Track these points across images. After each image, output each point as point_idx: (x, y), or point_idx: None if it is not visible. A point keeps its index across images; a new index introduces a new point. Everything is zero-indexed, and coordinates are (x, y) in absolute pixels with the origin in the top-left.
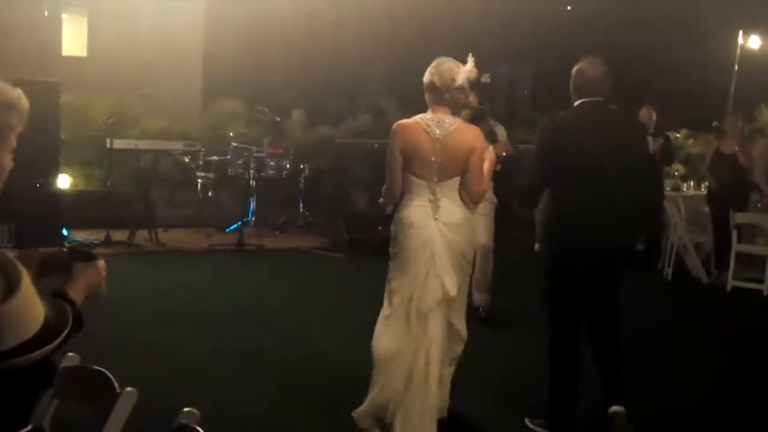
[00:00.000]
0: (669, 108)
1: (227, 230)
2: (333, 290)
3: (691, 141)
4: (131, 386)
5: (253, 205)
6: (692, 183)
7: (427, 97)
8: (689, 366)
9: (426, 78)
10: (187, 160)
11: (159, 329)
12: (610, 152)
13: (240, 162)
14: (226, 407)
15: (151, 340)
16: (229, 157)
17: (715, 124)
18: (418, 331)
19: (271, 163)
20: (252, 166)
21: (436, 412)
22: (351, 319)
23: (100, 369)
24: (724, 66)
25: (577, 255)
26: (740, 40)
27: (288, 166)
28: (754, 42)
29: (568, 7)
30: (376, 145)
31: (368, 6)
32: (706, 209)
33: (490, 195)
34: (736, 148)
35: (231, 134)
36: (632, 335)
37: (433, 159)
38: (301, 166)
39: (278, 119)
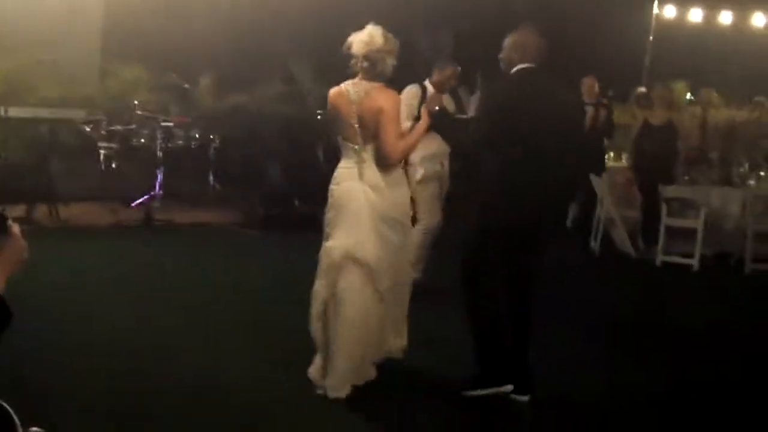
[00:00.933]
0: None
1: (133, 204)
2: (247, 269)
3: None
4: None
5: (160, 178)
6: (611, 154)
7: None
8: (615, 343)
9: None
10: (88, 129)
11: (58, 320)
12: (553, 122)
13: (146, 132)
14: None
15: (47, 333)
16: (133, 126)
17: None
18: (330, 282)
19: (180, 133)
20: (159, 136)
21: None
22: (267, 302)
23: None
24: (639, 35)
25: (515, 222)
26: (655, 9)
27: (197, 135)
28: (669, 11)
29: None
30: (289, 114)
31: None
32: (631, 181)
33: (439, 171)
34: (667, 119)
35: (136, 102)
36: (559, 311)
37: (353, 122)
38: (211, 136)
39: (186, 86)
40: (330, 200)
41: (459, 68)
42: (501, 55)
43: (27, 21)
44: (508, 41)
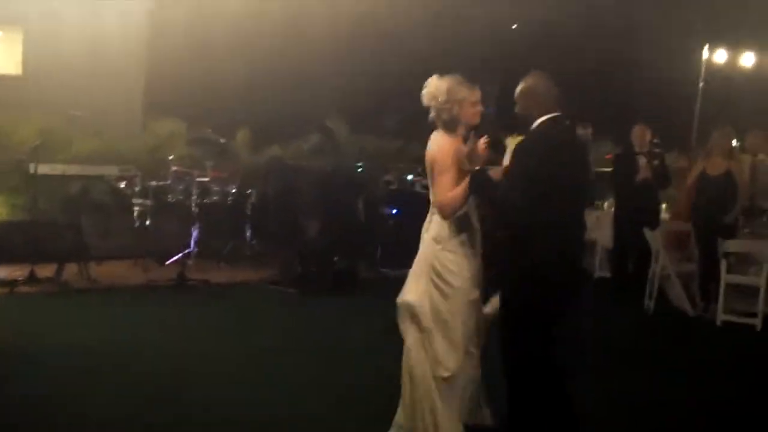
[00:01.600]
0: (632, 126)
1: (167, 263)
2: (287, 333)
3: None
4: None
5: (195, 235)
6: (664, 206)
7: None
8: (676, 408)
9: None
10: (122, 185)
11: (88, 386)
12: (580, 172)
13: (181, 187)
14: None
15: (79, 401)
16: (169, 182)
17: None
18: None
19: (216, 188)
20: (194, 191)
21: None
22: (310, 370)
23: None
24: (690, 81)
25: (561, 284)
26: (705, 54)
27: (234, 191)
28: (720, 56)
29: (513, 26)
30: (328, 167)
31: (314, 22)
32: (688, 235)
33: None
34: (726, 169)
35: (171, 157)
36: (612, 373)
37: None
38: (248, 191)
39: (222, 140)
40: None
41: None
42: (516, 109)
43: (69, 76)
44: (518, 92)
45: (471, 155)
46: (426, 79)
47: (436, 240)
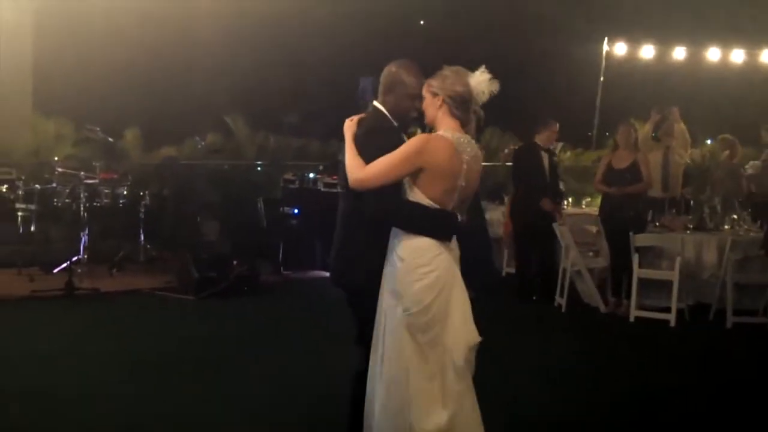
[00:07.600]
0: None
1: (55, 271)
2: (184, 346)
3: (569, 154)
4: None
5: (84, 240)
6: (571, 199)
7: (458, 111)
8: (591, 409)
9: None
10: (3, 189)
11: None
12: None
13: (67, 190)
14: None
15: None
16: (54, 185)
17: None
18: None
19: (105, 191)
20: (82, 194)
21: None
22: (205, 382)
23: None
24: (591, 74)
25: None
26: (605, 47)
27: (125, 193)
28: (620, 49)
29: (421, 22)
30: (226, 166)
31: (210, 17)
32: (594, 229)
33: None
34: (632, 162)
35: (56, 158)
36: (526, 375)
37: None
38: (141, 193)
39: (111, 140)
40: None
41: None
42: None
43: None
44: None
45: None
46: (327, 75)
47: None
